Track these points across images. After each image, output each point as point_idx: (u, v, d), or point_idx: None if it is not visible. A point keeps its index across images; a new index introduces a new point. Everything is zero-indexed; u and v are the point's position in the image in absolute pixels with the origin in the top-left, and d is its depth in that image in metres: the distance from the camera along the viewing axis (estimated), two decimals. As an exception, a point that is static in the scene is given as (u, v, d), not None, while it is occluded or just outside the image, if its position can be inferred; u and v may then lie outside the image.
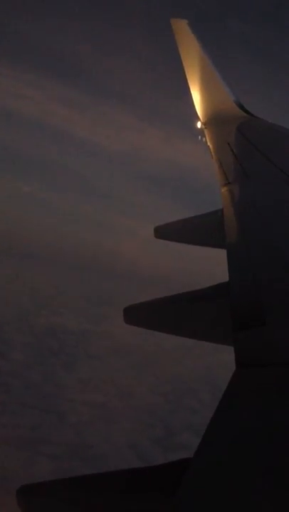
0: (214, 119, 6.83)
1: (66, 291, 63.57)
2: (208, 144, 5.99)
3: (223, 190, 4.12)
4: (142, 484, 1.65)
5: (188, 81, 7.27)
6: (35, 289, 60.34)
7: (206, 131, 6.54)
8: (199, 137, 6.51)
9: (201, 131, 6.66)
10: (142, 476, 1.70)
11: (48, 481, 1.84)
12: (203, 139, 6.33)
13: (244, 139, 5.85)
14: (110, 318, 49.40)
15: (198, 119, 7.05)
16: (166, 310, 2.95)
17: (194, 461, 1.42)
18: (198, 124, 6.92)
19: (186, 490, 1.33)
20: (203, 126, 6.77)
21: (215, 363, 32.18)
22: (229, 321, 2.11)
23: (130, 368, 39.15)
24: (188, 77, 7.26)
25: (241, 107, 7.05)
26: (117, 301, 56.45)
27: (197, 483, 1.35)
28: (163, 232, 4.36)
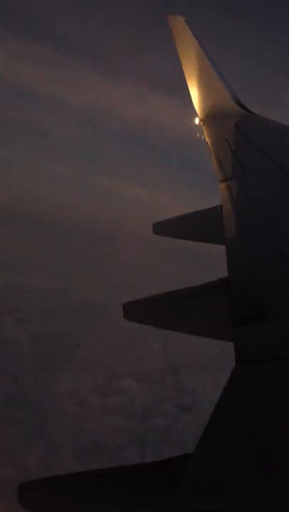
0: (212, 116, 6.88)
1: (34, 252, 62.81)
2: (207, 140, 6.01)
3: (222, 186, 4.14)
4: (142, 480, 1.64)
5: (186, 78, 7.27)
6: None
7: (204, 128, 6.56)
8: (198, 134, 6.52)
9: (199, 128, 6.67)
10: (141, 472, 1.70)
11: (48, 478, 1.83)
12: (202, 136, 6.34)
13: (242, 135, 5.87)
14: (75, 278, 49.58)
15: (196, 115, 7.06)
16: (166, 306, 2.93)
17: (194, 457, 1.42)
18: (197, 121, 6.94)
19: (186, 485, 1.34)
20: (202, 123, 6.79)
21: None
22: (229, 317, 2.12)
23: (85, 323, 39.46)
24: (186, 73, 7.27)
25: (239, 103, 7.06)
26: (87, 262, 56.33)
27: (197, 478, 1.35)
28: (161, 229, 4.31)
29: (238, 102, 7.06)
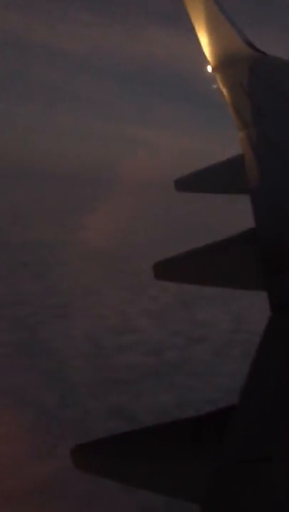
0: (225, 62, 6.57)
1: (45, 204, 62.98)
2: (221, 88, 5.78)
3: (241, 134, 3.99)
4: (192, 433, 1.66)
5: (194, 25, 6.96)
6: (10, 207, 59.63)
7: (217, 75, 6.30)
8: (212, 84, 6.28)
9: (212, 76, 6.44)
10: (190, 425, 1.71)
11: (102, 438, 1.89)
12: (215, 85, 6.13)
13: (258, 79, 5.68)
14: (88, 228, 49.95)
15: (208, 63, 6.79)
16: (196, 262, 2.92)
17: (240, 406, 1.44)
18: (209, 69, 6.68)
19: (235, 435, 1.36)
20: (214, 70, 6.54)
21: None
22: (260, 267, 2.09)
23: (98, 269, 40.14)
24: (193, 21, 6.96)
25: (252, 45, 6.78)
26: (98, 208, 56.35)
27: (244, 428, 1.38)
28: (183, 185, 4.26)
29: (250, 45, 6.85)
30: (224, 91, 5.62)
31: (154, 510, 15.22)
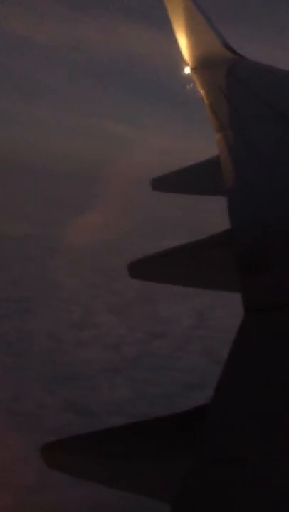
0: (203, 63, 6.63)
1: (21, 200, 62.41)
2: (199, 89, 5.84)
3: (218, 136, 4.03)
4: (163, 433, 1.67)
5: (174, 26, 7.02)
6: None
7: (195, 77, 6.36)
8: (190, 85, 6.39)
9: (190, 77, 6.52)
10: (162, 424, 1.72)
11: (72, 437, 1.87)
12: (192, 85, 6.24)
13: (235, 81, 5.77)
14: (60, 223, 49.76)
15: (186, 64, 6.84)
16: (171, 262, 2.92)
17: (213, 406, 1.45)
18: (187, 70, 6.74)
19: (208, 435, 1.35)
20: (192, 72, 6.59)
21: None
22: (235, 268, 2.10)
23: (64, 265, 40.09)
24: (172, 21, 7.02)
25: (230, 48, 6.88)
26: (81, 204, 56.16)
27: (218, 427, 1.38)
28: (160, 185, 4.27)
29: (228, 47, 6.94)
30: (202, 92, 5.65)
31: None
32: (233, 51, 6.87)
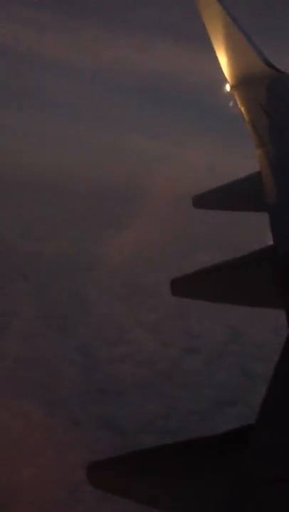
0: (243, 81, 6.71)
1: (57, 218, 63.53)
2: (239, 107, 5.92)
3: (259, 152, 4.06)
4: (210, 453, 1.67)
5: (214, 45, 7.15)
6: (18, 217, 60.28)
7: (235, 94, 6.45)
8: (231, 103, 6.41)
9: (230, 95, 6.59)
10: (208, 444, 1.72)
11: (117, 456, 1.87)
12: (233, 103, 6.28)
13: (275, 97, 5.81)
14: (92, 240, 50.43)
15: (226, 82, 6.95)
16: (214, 279, 2.93)
17: (256, 428, 1.44)
18: (227, 87, 6.84)
19: (256, 455, 1.35)
20: (233, 89, 6.70)
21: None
22: (280, 284, 2.09)
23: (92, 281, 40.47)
24: (213, 41, 7.15)
25: (270, 65, 6.90)
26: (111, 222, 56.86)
27: (265, 448, 1.37)
28: (201, 202, 4.34)
29: (268, 64, 6.95)
30: (242, 109, 5.73)
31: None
32: (274, 67, 6.89)
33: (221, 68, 7.13)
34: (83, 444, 20.27)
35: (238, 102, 6.10)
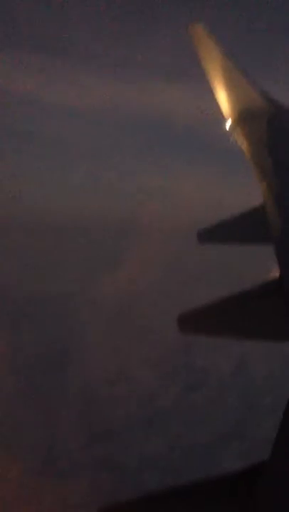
0: (243, 117, 6.76)
1: (58, 257, 63.79)
2: (240, 141, 5.97)
3: (262, 186, 4.10)
4: (223, 491, 1.66)
5: (212, 83, 7.21)
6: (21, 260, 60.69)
7: (235, 129, 6.51)
8: (231, 139, 6.47)
9: (230, 131, 6.64)
10: (221, 483, 1.70)
11: (127, 501, 1.85)
12: (235, 139, 6.32)
13: (276, 131, 5.87)
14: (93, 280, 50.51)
15: (225, 118, 6.98)
16: (221, 313, 2.87)
17: (271, 465, 1.42)
18: (227, 125, 6.84)
19: (268, 491, 1.34)
20: (233, 125, 6.75)
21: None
22: (286, 317, 2.03)
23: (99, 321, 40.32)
24: (210, 79, 7.23)
25: (269, 98, 6.98)
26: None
27: (275, 488, 1.35)
28: (205, 237, 4.35)
29: (267, 98, 7.02)
30: (244, 144, 5.75)
31: None
32: (273, 101, 6.93)
33: (219, 105, 7.11)
34: (84, 487, 19.76)
35: (239, 137, 6.12)
